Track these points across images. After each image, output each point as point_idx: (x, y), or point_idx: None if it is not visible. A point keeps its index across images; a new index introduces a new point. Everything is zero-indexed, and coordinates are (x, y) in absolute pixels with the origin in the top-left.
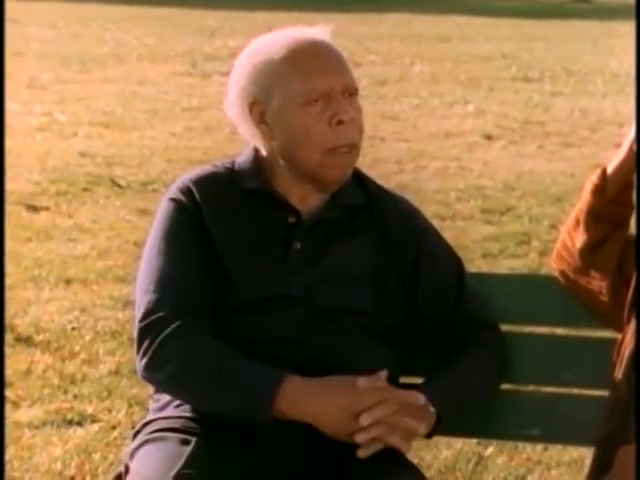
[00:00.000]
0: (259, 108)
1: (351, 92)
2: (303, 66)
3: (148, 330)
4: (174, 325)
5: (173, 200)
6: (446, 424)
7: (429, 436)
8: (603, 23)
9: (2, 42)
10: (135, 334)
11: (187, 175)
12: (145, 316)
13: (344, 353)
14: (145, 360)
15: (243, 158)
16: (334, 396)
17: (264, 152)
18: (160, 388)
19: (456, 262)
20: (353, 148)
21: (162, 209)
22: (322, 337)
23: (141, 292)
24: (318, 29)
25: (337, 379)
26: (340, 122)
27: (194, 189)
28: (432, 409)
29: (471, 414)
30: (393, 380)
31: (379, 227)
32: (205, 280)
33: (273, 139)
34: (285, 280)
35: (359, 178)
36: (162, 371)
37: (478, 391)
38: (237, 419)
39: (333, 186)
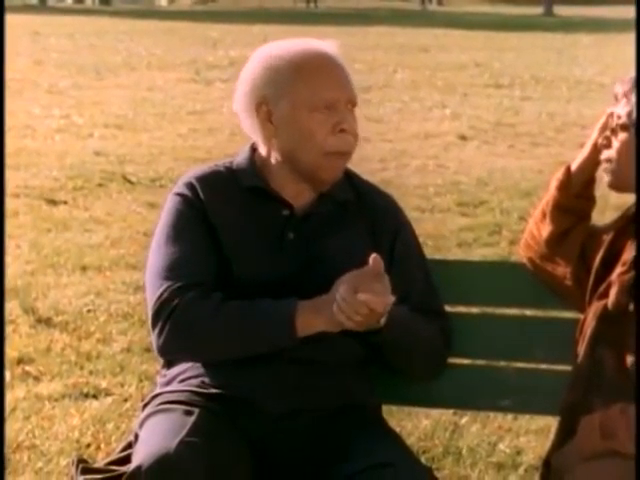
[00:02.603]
0: (267, 108)
1: (353, 104)
2: (315, 76)
3: (162, 308)
4: (187, 297)
5: (179, 195)
6: (391, 330)
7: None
8: (567, 35)
9: (3, 45)
10: (150, 315)
11: (191, 173)
12: (159, 297)
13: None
14: (164, 336)
15: (240, 158)
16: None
17: (262, 149)
18: (183, 357)
19: (422, 256)
20: (348, 154)
21: (169, 203)
22: None
23: (153, 277)
24: (328, 43)
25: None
26: (342, 130)
27: (197, 185)
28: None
29: (410, 356)
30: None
31: (367, 220)
32: (210, 263)
33: (275, 138)
34: (279, 267)
35: (348, 176)
36: (186, 340)
37: (422, 339)
38: (267, 351)
39: (326, 185)
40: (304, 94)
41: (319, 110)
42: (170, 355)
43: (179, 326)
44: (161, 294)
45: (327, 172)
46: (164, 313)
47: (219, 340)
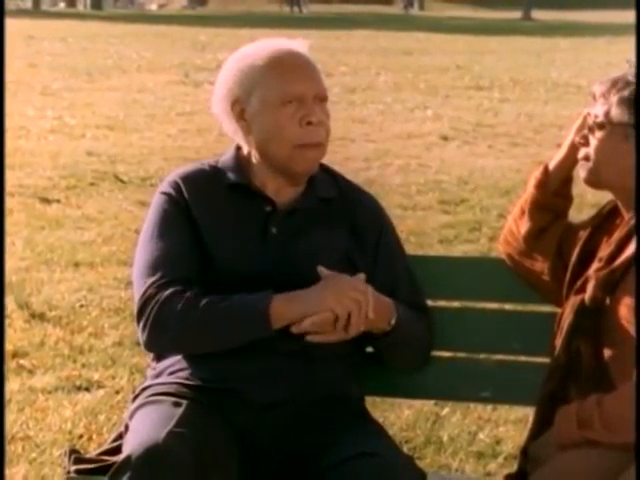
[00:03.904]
0: (240, 106)
1: (321, 98)
2: (282, 73)
3: (145, 304)
4: (167, 293)
5: (164, 194)
6: (397, 334)
7: (386, 334)
8: (545, 39)
9: (3, 47)
10: (135, 311)
11: (176, 171)
12: (143, 293)
13: None
14: (146, 332)
15: (225, 157)
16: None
17: (244, 148)
18: (166, 351)
19: (404, 254)
20: (319, 146)
21: (154, 202)
22: None
23: (138, 274)
24: (297, 42)
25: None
26: (309, 123)
27: (182, 184)
28: (394, 311)
29: (407, 352)
30: (359, 347)
31: (349, 217)
32: (193, 260)
33: (250, 134)
34: (262, 261)
35: (332, 174)
36: (165, 334)
37: (417, 337)
38: (245, 343)
39: (301, 178)
40: (272, 89)
41: (287, 104)
42: (154, 350)
43: (158, 321)
44: (145, 290)
45: (299, 164)
46: (147, 309)
47: (195, 333)
